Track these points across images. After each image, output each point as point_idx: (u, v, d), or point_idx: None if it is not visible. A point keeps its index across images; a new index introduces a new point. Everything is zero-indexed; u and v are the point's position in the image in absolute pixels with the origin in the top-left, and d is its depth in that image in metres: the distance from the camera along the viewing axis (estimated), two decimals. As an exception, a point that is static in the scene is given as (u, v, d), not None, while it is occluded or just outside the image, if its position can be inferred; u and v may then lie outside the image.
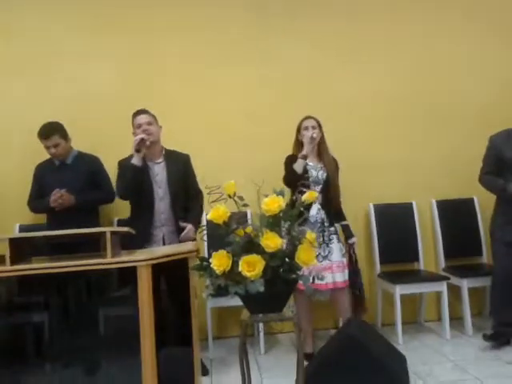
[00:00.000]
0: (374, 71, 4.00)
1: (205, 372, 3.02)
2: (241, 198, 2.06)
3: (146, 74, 3.80)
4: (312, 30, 3.96)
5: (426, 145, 4.01)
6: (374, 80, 4.00)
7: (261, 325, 3.45)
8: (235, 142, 3.81)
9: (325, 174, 3.30)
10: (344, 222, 3.45)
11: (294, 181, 2.98)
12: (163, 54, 3.83)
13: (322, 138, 3.35)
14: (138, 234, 2.80)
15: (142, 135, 2.96)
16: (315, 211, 3.23)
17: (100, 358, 2.26)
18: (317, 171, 3.30)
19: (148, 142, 2.97)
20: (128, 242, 2.58)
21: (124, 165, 3.03)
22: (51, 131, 3.20)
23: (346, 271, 3.25)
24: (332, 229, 3.28)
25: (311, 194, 2.05)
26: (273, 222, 2.00)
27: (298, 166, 3.20)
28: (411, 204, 3.93)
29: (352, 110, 3.93)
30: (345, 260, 3.27)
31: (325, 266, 3.15)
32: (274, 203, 1.99)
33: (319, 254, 3.16)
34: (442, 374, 2.89)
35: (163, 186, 3.07)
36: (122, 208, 3.63)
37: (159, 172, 3.09)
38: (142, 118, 3.05)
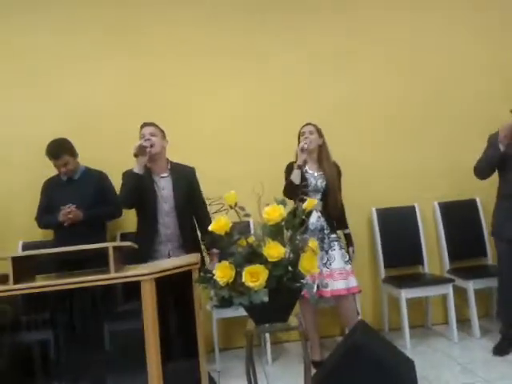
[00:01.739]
0: (374, 75, 4.02)
1: (212, 384, 3.02)
2: (242, 208, 2.06)
3: (146, 87, 3.82)
4: (310, 37, 3.99)
5: (427, 147, 4.01)
6: (374, 84, 4.01)
7: (267, 335, 3.44)
8: (235, 152, 3.83)
9: (324, 182, 3.29)
10: (346, 231, 3.44)
11: (292, 191, 3.02)
12: (162, 66, 3.85)
13: (323, 144, 3.34)
14: (143, 249, 2.86)
15: (142, 141, 3.01)
16: (315, 219, 3.23)
17: (106, 374, 2.26)
18: (316, 179, 3.29)
19: (148, 149, 3.00)
20: (132, 258, 2.59)
21: (127, 174, 3.07)
22: (61, 151, 3.25)
23: (351, 278, 3.19)
24: (333, 236, 3.26)
25: (311, 202, 2.05)
26: (275, 231, 2.00)
27: (294, 177, 3.19)
28: (413, 207, 3.92)
29: (351, 115, 3.94)
30: (349, 267, 3.21)
31: (324, 273, 3.11)
32: (276, 212, 1.99)
33: (326, 261, 3.15)
34: (451, 377, 2.88)
35: (169, 200, 3.08)
36: (126, 222, 3.66)
37: (165, 186, 3.11)
38: (147, 130, 3.11)
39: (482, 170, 3.32)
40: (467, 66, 4.10)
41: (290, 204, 2.23)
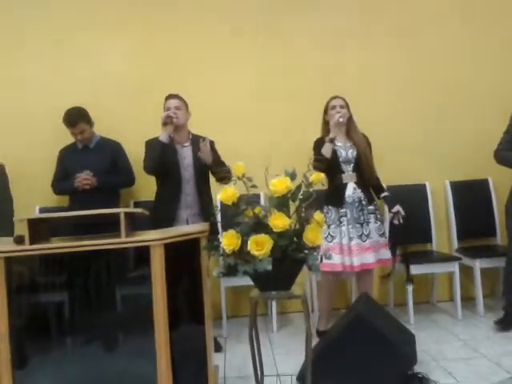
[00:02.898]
0: (389, 54, 3.99)
1: (218, 348, 3.12)
2: (249, 179, 2.10)
3: (160, 61, 3.85)
4: (324, 15, 3.96)
5: (440, 126, 3.98)
6: (387, 63, 3.98)
7: (273, 304, 3.52)
8: (248, 126, 3.84)
9: (355, 153, 3.26)
10: (384, 194, 3.38)
11: (323, 165, 2.95)
12: (177, 41, 3.87)
13: (351, 117, 3.31)
14: (164, 214, 3.05)
15: (169, 112, 3.08)
16: (351, 191, 3.21)
17: (117, 335, 2.35)
18: (346, 150, 3.26)
19: (175, 120, 3.07)
20: (154, 222, 2.76)
21: (151, 143, 3.14)
22: (77, 118, 3.33)
23: (384, 250, 3.22)
24: (371, 207, 3.24)
25: (318, 175, 2.09)
26: (281, 203, 2.04)
27: (325, 151, 3.17)
28: (424, 185, 3.93)
29: (365, 93, 3.91)
30: (383, 239, 3.24)
31: (354, 247, 3.14)
32: (282, 184, 2.03)
33: (362, 233, 3.16)
34: (452, 352, 2.94)
35: (190, 169, 3.16)
36: (139, 191, 3.74)
37: (186, 155, 3.18)
38: (172, 103, 3.16)
39: (503, 164, 3.28)
40: (486, 47, 4.02)
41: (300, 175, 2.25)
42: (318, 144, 3.27)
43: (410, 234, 3.80)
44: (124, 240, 2.11)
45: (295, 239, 2.05)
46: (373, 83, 3.95)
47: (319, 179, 2.10)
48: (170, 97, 3.20)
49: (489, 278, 3.84)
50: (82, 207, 2.60)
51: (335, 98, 3.32)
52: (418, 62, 4.00)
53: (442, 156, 3.97)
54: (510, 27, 4.03)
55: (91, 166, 3.35)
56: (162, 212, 3.08)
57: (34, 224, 2.10)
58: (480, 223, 3.88)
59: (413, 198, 3.89)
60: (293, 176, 2.09)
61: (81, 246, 2.09)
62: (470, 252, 3.68)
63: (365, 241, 3.16)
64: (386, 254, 3.25)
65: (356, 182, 3.24)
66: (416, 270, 3.52)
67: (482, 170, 3.87)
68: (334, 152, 3.21)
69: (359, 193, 3.22)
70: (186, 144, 3.21)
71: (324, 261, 2.19)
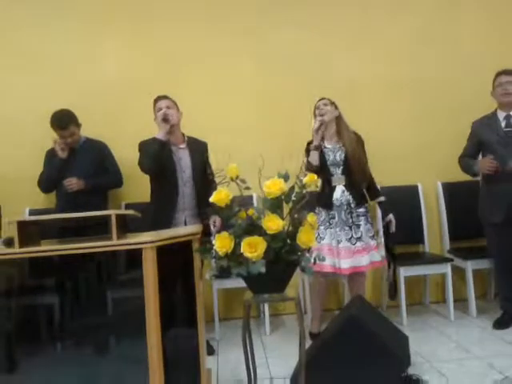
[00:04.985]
0: (378, 54, 4.00)
1: (211, 351, 3.10)
2: (243, 181, 2.09)
3: (154, 62, 3.83)
4: (317, 15, 3.96)
5: (432, 128, 4.00)
6: (379, 62, 3.99)
7: (266, 306, 3.51)
8: (244, 129, 3.82)
9: (343, 155, 3.23)
10: (379, 199, 3.37)
11: (313, 172, 2.96)
12: (172, 41, 3.85)
13: (340, 116, 3.28)
14: (162, 216, 3.03)
15: (164, 110, 3.06)
16: (339, 194, 3.19)
17: (108, 339, 2.33)
18: (334, 153, 3.24)
19: (170, 118, 3.05)
20: (152, 225, 2.74)
21: (148, 142, 3.09)
22: (67, 122, 3.30)
23: (373, 252, 3.20)
24: (361, 210, 3.22)
25: (311, 177, 2.08)
26: (274, 205, 2.03)
27: (312, 158, 3.16)
28: (416, 186, 3.94)
29: (356, 93, 3.92)
30: (373, 242, 3.22)
31: (360, 248, 3.13)
32: (276, 186, 2.02)
33: (351, 236, 3.15)
34: (445, 353, 2.94)
35: (187, 170, 3.15)
36: (130, 192, 3.71)
37: (183, 157, 3.16)
38: (163, 103, 3.14)
39: (463, 170, 3.52)
40: (475, 46, 4.04)
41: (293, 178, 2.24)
42: (308, 149, 3.28)
43: (401, 235, 3.83)
44: (115, 243, 2.08)
45: (288, 241, 2.04)
46: (364, 85, 3.95)
47: (313, 181, 2.08)
48: (159, 98, 3.17)
49: (481, 280, 3.85)
50: (69, 209, 2.59)
51: (321, 99, 3.30)
52: (409, 64, 4.01)
53: (433, 157, 3.98)
54: (501, 30, 4.06)
55: (78, 167, 3.32)
56: (160, 214, 3.06)
57: (23, 226, 2.07)
58: (472, 224, 3.84)
59: (405, 199, 3.90)
60: (286, 178, 2.08)
61: (71, 249, 2.05)
62: (462, 253, 3.68)
63: (355, 244, 3.14)
64: (377, 256, 3.24)
65: (345, 185, 3.21)
66: (408, 271, 3.53)
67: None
68: (322, 155, 3.20)
69: (347, 196, 3.20)
70: (182, 146, 3.19)
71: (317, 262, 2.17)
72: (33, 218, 2.46)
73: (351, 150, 3.22)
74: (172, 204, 3.11)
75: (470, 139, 3.50)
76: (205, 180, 3.18)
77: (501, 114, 3.33)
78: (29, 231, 2.15)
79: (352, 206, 3.19)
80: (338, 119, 3.28)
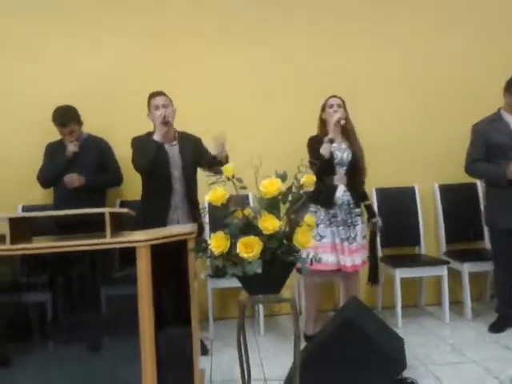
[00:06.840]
0: (377, 56, 3.98)
1: (204, 351, 3.07)
2: (239, 180, 2.06)
3: (155, 57, 3.79)
4: (317, 15, 3.93)
5: (429, 129, 3.98)
6: (377, 64, 3.97)
7: (261, 306, 3.49)
8: (245, 126, 3.77)
9: (350, 155, 3.22)
10: (367, 202, 3.38)
11: (322, 166, 2.91)
12: (168, 36, 3.82)
13: (347, 117, 3.24)
14: (155, 215, 2.96)
15: (163, 112, 2.97)
16: (341, 193, 3.18)
17: (101, 337, 2.30)
18: (341, 152, 3.21)
19: (170, 119, 2.99)
20: (144, 224, 2.64)
21: (143, 140, 3.03)
22: (68, 119, 3.28)
23: (364, 252, 3.26)
24: (357, 210, 3.23)
25: (309, 177, 2.05)
26: (271, 205, 2.01)
27: (324, 151, 3.09)
28: (413, 188, 3.93)
29: (353, 96, 3.87)
30: (364, 241, 3.26)
31: (355, 247, 3.15)
32: (273, 185, 1.99)
33: (349, 235, 3.15)
34: (440, 356, 2.93)
35: (178, 168, 3.09)
36: (125, 190, 3.68)
37: (174, 154, 3.10)
38: (159, 100, 3.05)
39: (474, 177, 3.42)
40: (477, 49, 4.03)
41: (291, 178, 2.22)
42: (314, 142, 3.20)
43: (398, 237, 3.82)
44: (109, 241, 2.06)
45: (285, 242, 2.01)
46: (362, 87, 3.92)
47: (310, 181, 2.06)
48: (155, 94, 3.09)
49: (477, 282, 3.84)
50: (67, 206, 2.54)
51: (333, 96, 3.27)
52: (407, 65, 4.00)
53: (431, 159, 3.97)
54: (500, 31, 4.05)
55: (79, 163, 3.31)
56: (152, 213, 2.98)
57: (15, 223, 2.03)
58: (468, 227, 3.88)
59: (401, 201, 3.90)
60: (283, 177, 2.06)
61: (64, 247, 2.02)
62: (459, 256, 3.67)
63: (352, 243, 3.15)
64: (365, 256, 3.29)
65: (346, 185, 3.21)
66: (404, 273, 3.52)
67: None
68: (330, 153, 3.15)
69: (348, 196, 3.20)
70: (174, 143, 3.14)
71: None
72: (25, 214, 2.44)
73: (358, 152, 3.24)
74: (165, 202, 3.05)
75: (475, 143, 3.33)
76: (195, 177, 3.16)
77: (508, 117, 3.26)
78: (21, 228, 2.12)
79: (351, 206, 3.20)
80: (346, 121, 3.23)
